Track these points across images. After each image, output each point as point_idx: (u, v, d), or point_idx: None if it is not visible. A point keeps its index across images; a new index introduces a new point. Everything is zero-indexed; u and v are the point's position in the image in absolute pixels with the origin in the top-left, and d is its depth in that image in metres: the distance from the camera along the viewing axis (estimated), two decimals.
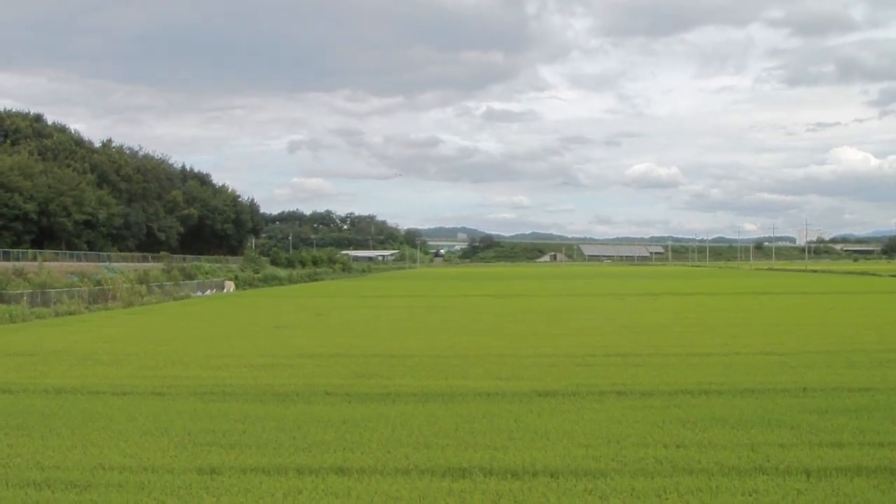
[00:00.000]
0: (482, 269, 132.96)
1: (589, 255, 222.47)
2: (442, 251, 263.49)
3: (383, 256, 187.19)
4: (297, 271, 73.22)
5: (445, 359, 13.13)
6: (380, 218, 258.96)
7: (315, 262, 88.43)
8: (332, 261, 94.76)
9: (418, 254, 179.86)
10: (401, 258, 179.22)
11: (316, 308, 28.15)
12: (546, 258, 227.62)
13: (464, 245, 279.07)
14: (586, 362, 12.50)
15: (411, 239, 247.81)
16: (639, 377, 10.90)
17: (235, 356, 13.88)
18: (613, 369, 11.71)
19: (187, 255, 64.58)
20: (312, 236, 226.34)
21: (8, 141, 64.39)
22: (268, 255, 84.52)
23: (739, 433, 7.45)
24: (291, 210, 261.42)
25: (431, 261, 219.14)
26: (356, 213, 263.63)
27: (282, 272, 67.22)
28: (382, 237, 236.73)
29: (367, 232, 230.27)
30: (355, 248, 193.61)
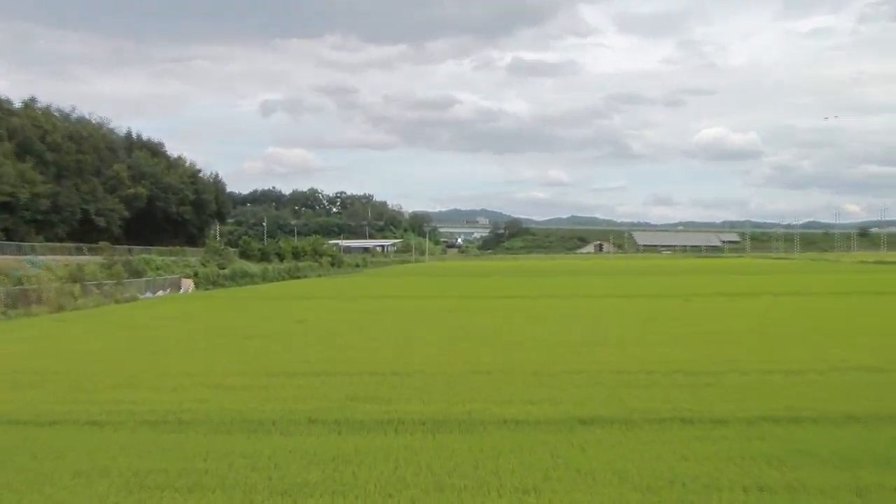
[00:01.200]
0: (508, 263, 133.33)
1: (643, 245, 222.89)
2: (458, 240, 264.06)
3: (383, 247, 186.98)
4: (274, 266, 73.55)
5: (462, 377, 13.22)
6: (378, 199, 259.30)
7: (296, 255, 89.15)
8: (317, 253, 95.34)
9: (427, 244, 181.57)
10: (405, 249, 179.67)
11: (297, 313, 28.32)
12: (589, 248, 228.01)
13: (485, 232, 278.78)
14: (641, 381, 12.55)
15: (418, 225, 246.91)
16: (709, 400, 10.87)
17: (195, 374, 13.97)
18: (676, 390, 11.70)
19: (134, 247, 64.32)
20: (293, 222, 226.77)
21: None
22: (236, 246, 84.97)
23: (841, 474, 7.35)
24: (266, 189, 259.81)
25: (444, 252, 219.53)
26: (348, 193, 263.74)
27: (254, 267, 67.92)
28: (382, 223, 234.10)
29: (362, 216, 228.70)
30: (347, 237, 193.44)
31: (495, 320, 24.43)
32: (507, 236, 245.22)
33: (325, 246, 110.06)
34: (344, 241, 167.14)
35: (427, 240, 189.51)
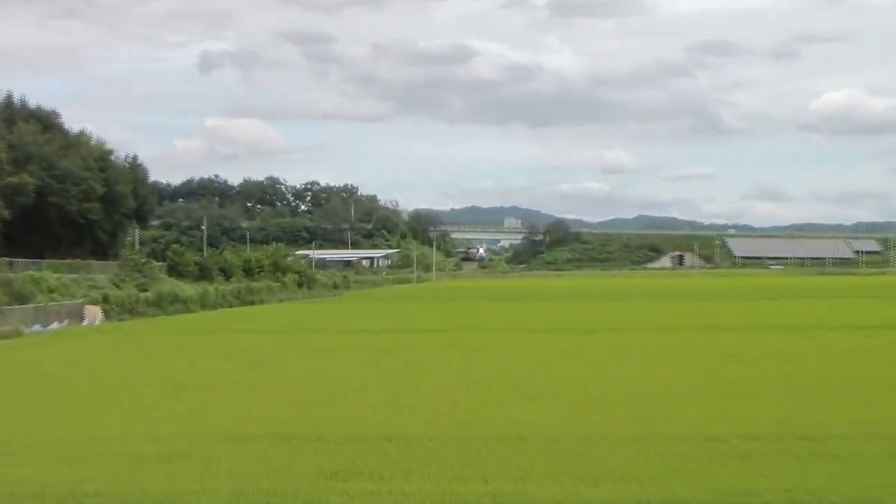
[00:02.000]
0: (549, 283, 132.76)
1: (742, 257, 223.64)
2: (479, 250, 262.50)
3: (372, 260, 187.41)
4: (218, 287, 74.30)
5: (482, 443, 13.28)
6: (366, 192, 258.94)
7: (249, 272, 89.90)
8: (279, 268, 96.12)
9: (434, 255, 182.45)
10: (404, 263, 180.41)
11: (251, 353, 28.82)
12: (664, 261, 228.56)
13: (517, 239, 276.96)
14: (742, 450, 12.49)
15: (422, 229, 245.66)
16: (844, 479, 10.76)
17: (104, 440, 14.00)
18: (795, 463, 11.68)
19: (16, 259, 63.12)
20: (244, 224, 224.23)
21: None
22: (164, 259, 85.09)
23: None
24: (207, 178, 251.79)
25: (458, 267, 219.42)
26: (323, 184, 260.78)
27: (189, 289, 68.51)
28: (371, 226, 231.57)
29: (342, 217, 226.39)
30: (323, 246, 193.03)
31: (528, 364, 24.52)
32: (548, 244, 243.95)
33: (291, 259, 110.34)
34: (317, 251, 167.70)
35: (434, 249, 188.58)
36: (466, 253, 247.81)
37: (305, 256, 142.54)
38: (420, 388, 19.80)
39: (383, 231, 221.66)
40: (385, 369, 23.99)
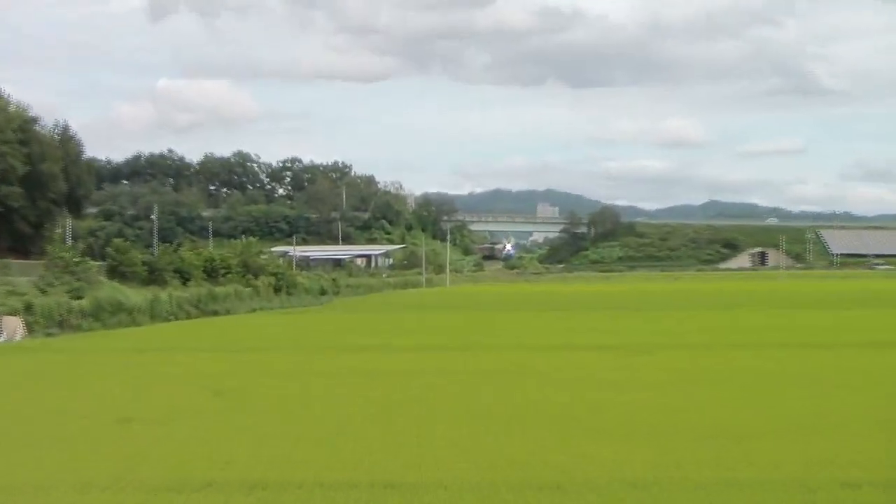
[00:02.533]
0: (594, 287, 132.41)
1: (841, 254, 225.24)
2: (506, 245, 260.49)
3: (370, 258, 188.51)
4: (173, 293, 74.92)
5: (510, 492, 13.21)
6: (362, 171, 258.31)
7: (213, 273, 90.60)
8: (250, 270, 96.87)
9: (448, 251, 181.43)
10: (410, 262, 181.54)
11: (214, 378, 28.86)
12: (742, 260, 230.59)
13: (552, 231, 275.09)
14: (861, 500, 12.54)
15: (433, 218, 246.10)
16: None
17: (24, 489, 13.97)
18: None
19: None
20: (206, 213, 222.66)
21: None
22: (104, 258, 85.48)
23: None
24: (159, 153, 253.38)
25: (478, 266, 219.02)
26: (307, 162, 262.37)
27: (136, 295, 68.56)
28: (368, 214, 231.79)
29: (331, 204, 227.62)
30: (307, 240, 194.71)
31: (566, 391, 24.57)
32: (594, 238, 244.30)
33: (265, 257, 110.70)
34: (300, 247, 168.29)
35: (448, 245, 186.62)
36: (489, 249, 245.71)
37: (284, 254, 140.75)
38: (429, 420, 19.70)
39: (383, 222, 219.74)
40: (384, 397, 23.84)
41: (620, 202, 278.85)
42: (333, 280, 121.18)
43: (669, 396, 23.12)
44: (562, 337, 43.94)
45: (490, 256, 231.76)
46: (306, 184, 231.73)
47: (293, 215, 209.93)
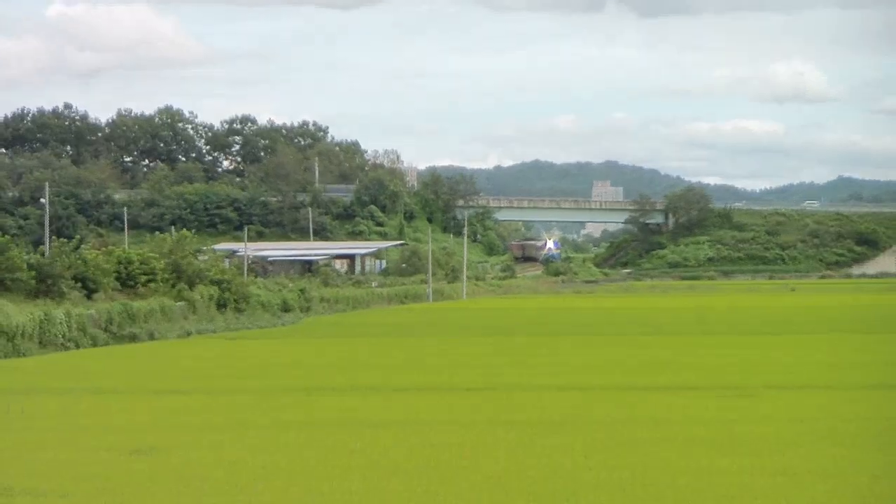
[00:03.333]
0: (673, 301, 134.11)
1: None
2: (548, 242, 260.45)
3: (353, 258, 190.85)
4: (73, 310, 75.98)
5: None
6: (340, 135, 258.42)
7: (130, 281, 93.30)
8: (183, 275, 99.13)
9: (466, 250, 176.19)
10: (410, 265, 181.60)
11: (128, 432, 30.06)
12: (886, 261, 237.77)
13: (614, 220, 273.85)
14: None
15: (443, 202, 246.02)
16: None
17: None
18: None
19: None
20: (121, 195, 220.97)
21: None
22: None
23: None
24: (51, 110, 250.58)
25: (508, 271, 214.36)
26: (263, 122, 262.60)
27: (18, 313, 70.29)
28: (349, 196, 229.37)
29: (298, 181, 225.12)
30: (264, 235, 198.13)
31: (643, 453, 25.05)
32: (672, 231, 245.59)
33: (206, 259, 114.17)
34: (255, 244, 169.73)
35: (465, 240, 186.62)
36: (525, 248, 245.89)
37: (232, 254, 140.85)
38: (436, 495, 20.14)
39: (373, 208, 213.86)
40: (371, 463, 24.24)
41: (711, 180, 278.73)
42: (302, 291, 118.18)
43: (789, 458, 23.50)
44: (628, 372, 45.03)
45: (527, 257, 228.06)
46: (263, 154, 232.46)
47: (244, 198, 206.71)
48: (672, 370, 44.83)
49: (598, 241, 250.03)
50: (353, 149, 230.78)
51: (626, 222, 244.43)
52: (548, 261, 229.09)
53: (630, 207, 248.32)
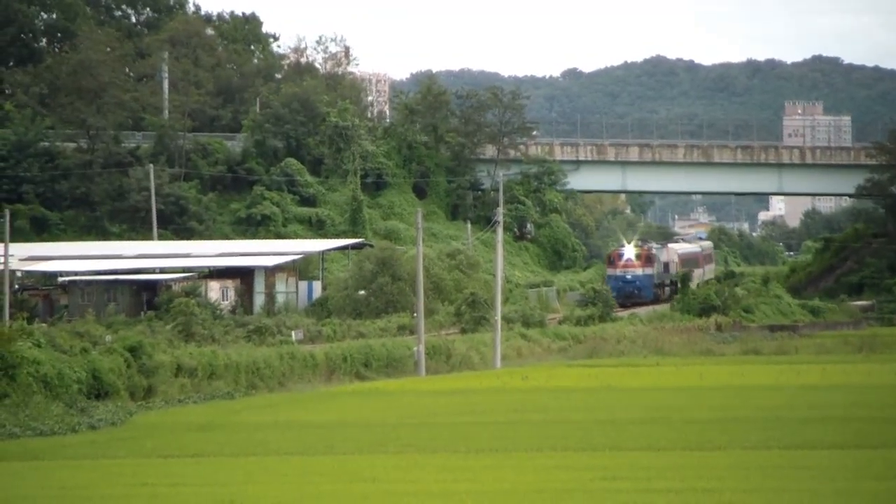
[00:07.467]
0: None
1: None
2: (696, 235, 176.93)
3: (245, 275, 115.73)
4: None
5: None
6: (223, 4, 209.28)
7: None
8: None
9: (501, 255, 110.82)
10: (374, 291, 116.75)
11: None
12: None
13: (839, 190, 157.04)
14: None
15: (450, 154, 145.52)
16: None
17: None
18: None
19: None
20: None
21: None
22: None
23: None
24: None
25: (597, 304, 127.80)
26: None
27: None
28: (236, 145, 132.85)
29: (123, 103, 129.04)
30: (49, 226, 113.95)
31: None
32: None
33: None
34: (33, 246, 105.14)
35: (500, 235, 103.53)
36: (649, 257, 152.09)
37: None
38: None
39: (293, 163, 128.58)
40: None
41: None
42: (133, 352, 78.23)
43: None
44: None
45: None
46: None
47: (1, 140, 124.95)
48: None
49: (799, 236, 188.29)
50: (244, 30, 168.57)
51: (860, 193, 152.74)
52: (685, 283, 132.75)
53: (870, 161, 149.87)
